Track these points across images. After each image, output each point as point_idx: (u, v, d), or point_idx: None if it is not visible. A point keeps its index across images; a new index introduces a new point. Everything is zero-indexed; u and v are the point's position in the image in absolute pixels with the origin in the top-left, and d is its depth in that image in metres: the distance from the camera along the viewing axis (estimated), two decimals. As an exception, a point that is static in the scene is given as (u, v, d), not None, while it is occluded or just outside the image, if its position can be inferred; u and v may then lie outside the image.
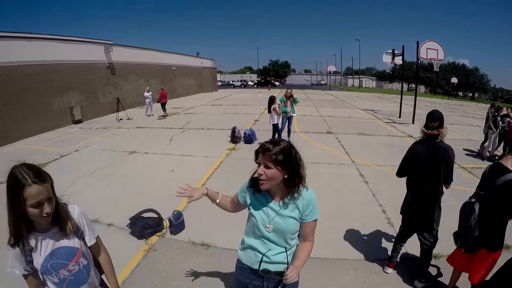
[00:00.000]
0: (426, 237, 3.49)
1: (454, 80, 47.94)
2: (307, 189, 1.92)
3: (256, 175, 1.90)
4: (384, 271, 3.87)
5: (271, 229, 1.93)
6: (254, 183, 1.98)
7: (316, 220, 1.97)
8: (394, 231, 4.80)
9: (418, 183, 3.46)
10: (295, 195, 1.88)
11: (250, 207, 2.04)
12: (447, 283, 3.49)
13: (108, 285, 2.10)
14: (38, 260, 1.67)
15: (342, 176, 7.21)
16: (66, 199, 5.54)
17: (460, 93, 70.50)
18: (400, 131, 12.90)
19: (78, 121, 14.36)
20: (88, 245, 1.93)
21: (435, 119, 3.23)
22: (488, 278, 2.97)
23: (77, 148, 9.50)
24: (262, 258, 1.97)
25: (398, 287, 3.62)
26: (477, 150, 9.70)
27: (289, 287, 2.02)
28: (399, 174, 3.71)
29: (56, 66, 13.60)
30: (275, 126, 9.61)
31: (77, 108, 14.37)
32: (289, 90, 10.32)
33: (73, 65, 14.75)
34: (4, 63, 10.94)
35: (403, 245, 3.86)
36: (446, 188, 3.37)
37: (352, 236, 4.67)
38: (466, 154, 9.51)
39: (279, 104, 9.66)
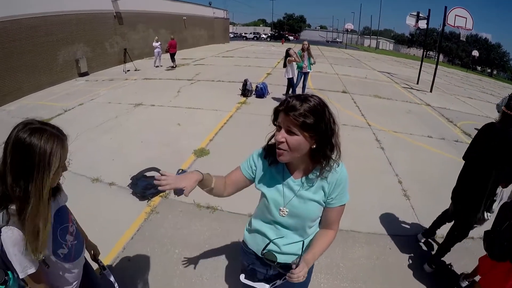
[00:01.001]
0: (458, 226, 3.10)
1: (475, 53, 44.95)
2: (338, 165, 1.41)
3: (272, 141, 1.39)
4: (418, 239, 3.70)
5: (286, 213, 1.48)
6: (269, 152, 1.47)
7: (344, 205, 1.49)
8: (410, 204, 4.48)
9: (470, 168, 2.97)
10: (324, 171, 1.37)
11: (261, 184, 1.53)
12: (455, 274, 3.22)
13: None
14: (49, 235, 1.35)
15: (358, 140, 6.70)
16: (68, 156, 5.14)
17: (479, 68, 66.42)
18: (418, 98, 12.09)
19: (84, 74, 13.80)
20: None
21: None
22: None
23: (82, 102, 9.08)
24: (267, 244, 1.55)
25: (410, 269, 3.30)
26: None
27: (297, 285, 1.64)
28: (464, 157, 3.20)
29: (60, 17, 12.71)
30: (290, 80, 8.98)
31: (83, 60, 13.75)
32: (305, 42, 9.38)
33: (78, 16, 13.83)
34: (4, 18, 10.15)
35: (443, 224, 3.51)
36: (502, 187, 2.80)
37: (366, 207, 4.27)
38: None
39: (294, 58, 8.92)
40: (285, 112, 1.26)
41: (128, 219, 3.74)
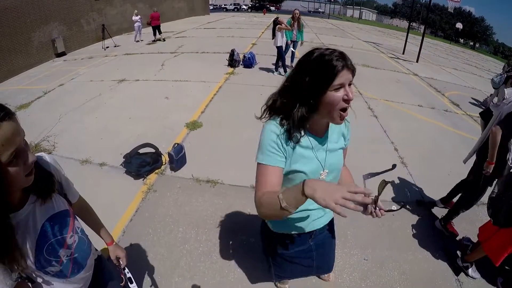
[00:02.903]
0: (467, 188, 3.25)
1: (459, 25, 45.72)
2: None
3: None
4: (437, 205, 3.79)
5: (326, 174, 1.39)
6: (296, 129, 1.27)
7: None
8: (407, 171, 4.50)
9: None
10: (343, 122, 1.35)
11: (292, 165, 1.31)
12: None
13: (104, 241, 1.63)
14: (27, 252, 1.05)
15: (351, 108, 6.60)
16: (52, 140, 4.77)
17: (461, 40, 67.11)
18: (405, 68, 12.04)
19: (62, 54, 13.03)
20: (72, 203, 1.35)
21: None
22: None
23: (62, 82, 8.58)
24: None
25: (413, 234, 3.32)
26: (481, 100, 8.93)
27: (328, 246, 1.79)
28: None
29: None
30: (279, 49, 8.65)
31: (59, 40, 12.96)
32: (296, 11, 9.02)
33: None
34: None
35: (459, 193, 3.58)
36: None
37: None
38: (470, 102, 8.69)
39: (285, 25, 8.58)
40: (347, 66, 1.20)
41: (125, 200, 3.56)
